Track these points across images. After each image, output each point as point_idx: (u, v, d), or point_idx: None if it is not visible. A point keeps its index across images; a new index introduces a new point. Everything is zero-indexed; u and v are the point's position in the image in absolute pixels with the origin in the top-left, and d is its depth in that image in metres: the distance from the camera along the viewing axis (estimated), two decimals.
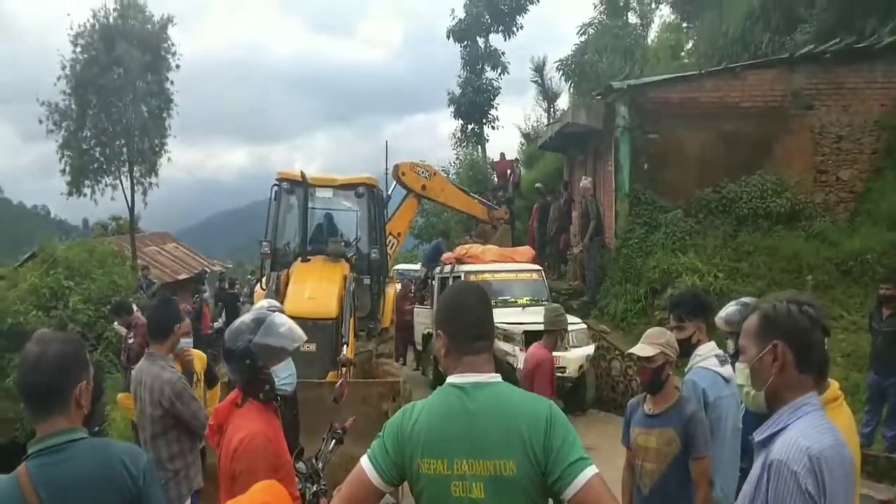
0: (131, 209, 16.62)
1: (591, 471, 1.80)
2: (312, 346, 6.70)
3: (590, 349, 9.29)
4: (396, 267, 16.17)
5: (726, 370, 3.47)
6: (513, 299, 10.21)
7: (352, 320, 7.37)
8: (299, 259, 8.30)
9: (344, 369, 6.45)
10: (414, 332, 12.92)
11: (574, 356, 9.06)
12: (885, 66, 11.19)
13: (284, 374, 2.73)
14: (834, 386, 2.83)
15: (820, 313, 1.93)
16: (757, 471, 1.84)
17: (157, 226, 27.35)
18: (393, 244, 12.07)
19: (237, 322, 2.65)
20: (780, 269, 10.17)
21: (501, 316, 9.62)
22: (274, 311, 2.80)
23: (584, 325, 9.68)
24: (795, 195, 11.01)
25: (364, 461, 1.95)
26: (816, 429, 1.80)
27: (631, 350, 3.34)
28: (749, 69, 11.65)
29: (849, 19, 12.05)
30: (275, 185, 9.08)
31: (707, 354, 3.52)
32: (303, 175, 8.62)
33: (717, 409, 3.37)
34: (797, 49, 11.85)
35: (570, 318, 9.81)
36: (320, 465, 3.43)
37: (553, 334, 5.77)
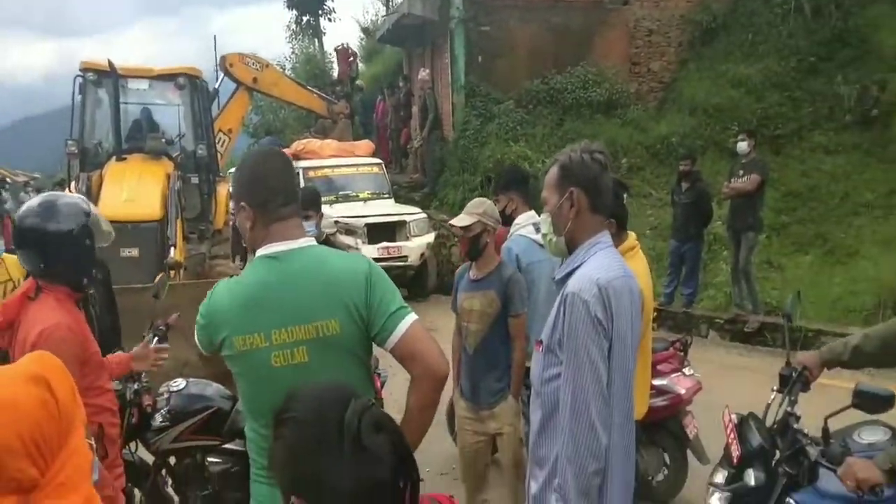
0: None
1: (410, 318, 1.84)
2: (135, 251, 6.30)
3: (430, 238, 9.62)
4: (232, 169, 15.35)
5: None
6: (354, 193, 10.20)
7: (179, 221, 6.98)
8: (113, 158, 7.60)
9: (172, 272, 6.16)
10: None
11: (415, 245, 9.35)
12: None
13: None
14: (631, 236, 3.18)
15: (609, 160, 2.10)
16: (556, 305, 2.01)
17: None
18: (224, 142, 11.39)
19: (24, 206, 2.42)
20: None
21: (343, 210, 9.62)
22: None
23: (424, 215, 9.94)
24: (613, 85, 11.80)
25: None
26: (607, 263, 1.96)
27: (450, 221, 3.50)
28: None
29: None
30: (78, 76, 8.13)
31: (525, 223, 3.78)
32: (111, 64, 7.74)
33: (530, 272, 3.65)
34: None
35: (411, 209, 10.07)
36: None
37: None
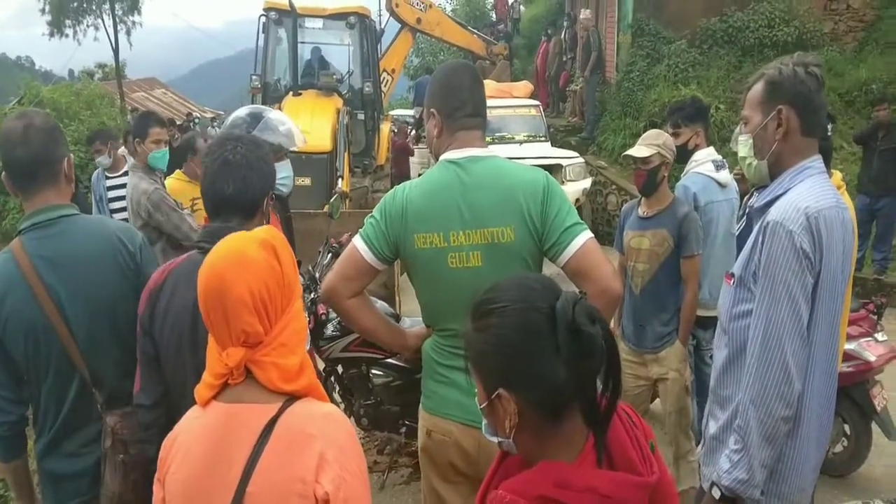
0: (115, 49, 15.98)
1: (585, 234, 1.82)
2: (307, 180, 6.73)
3: (586, 183, 9.32)
4: (392, 112, 15.83)
5: (722, 175, 3.48)
6: (510, 135, 10.07)
7: (346, 154, 7.34)
8: (290, 93, 8.12)
9: (341, 204, 6.50)
10: (410, 172, 12.92)
11: (571, 190, 9.07)
12: None
13: (282, 174, 2.73)
14: (837, 175, 2.82)
15: (824, 74, 1.84)
16: (753, 235, 1.81)
17: (145, 76, 26.38)
18: (387, 81, 11.72)
19: (233, 116, 2.62)
20: None
21: (498, 152, 9.49)
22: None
23: (581, 160, 9.62)
24: (804, 24, 10.57)
25: (357, 241, 1.95)
26: (817, 190, 1.72)
27: (628, 152, 3.31)
28: None
29: None
30: (262, 15, 8.71)
31: (703, 160, 3.51)
32: (291, 4, 8.19)
33: (708, 213, 3.41)
34: None
35: (567, 153, 9.80)
36: (317, 274, 3.54)
37: None
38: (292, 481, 1.19)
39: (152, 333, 1.70)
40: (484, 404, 1.08)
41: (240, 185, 1.73)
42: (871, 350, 3.66)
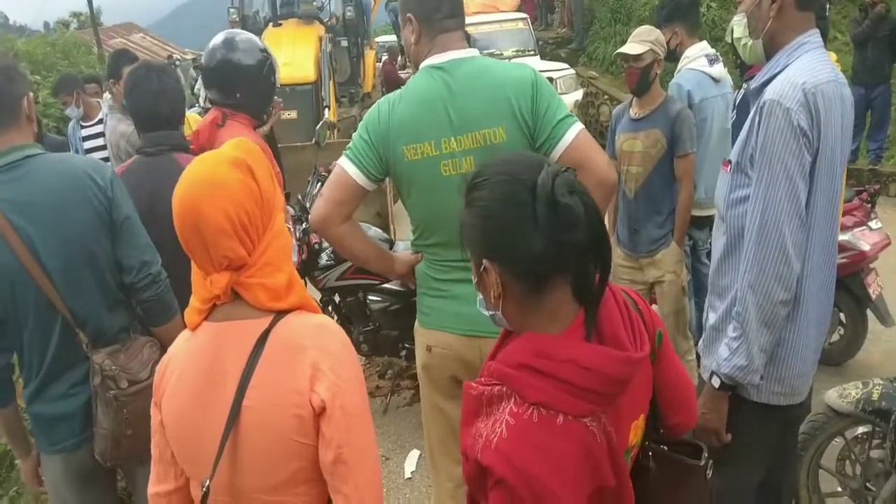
0: None
1: (577, 127, 1.81)
2: (293, 114, 6.59)
3: (578, 95, 9.15)
4: (377, 39, 15.31)
5: (716, 70, 3.39)
6: (498, 51, 9.80)
7: (332, 83, 7.17)
8: (270, 24, 7.87)
9: (328, 132, 6.38)
10: None
11: None
12: None
13: None
14: (831, 55, 2.75)
15: None
16: (750, 118, 1.73)
17: (123, 21, 25.49)
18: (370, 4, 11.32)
19: (211, 43, 2.55)
20: None
21: None
22: None
23: (572, 72, 9.41)
24: None
25: (344, 162, 1.89)
26: (816, 65, 1.65)
27: (620, 50, 3.21)
28: None
29: None
30: None
31: (696, 55, 3.40)
32: None
33: (702, 110, 3.33)
34: None
35: (558, 65, 9.57)
36: (308, 204, 3.52)
37: None
38: (288, 393, 1.20)
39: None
40: (476, 279, 1.12)
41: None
42: (865, 239, 3.67)
